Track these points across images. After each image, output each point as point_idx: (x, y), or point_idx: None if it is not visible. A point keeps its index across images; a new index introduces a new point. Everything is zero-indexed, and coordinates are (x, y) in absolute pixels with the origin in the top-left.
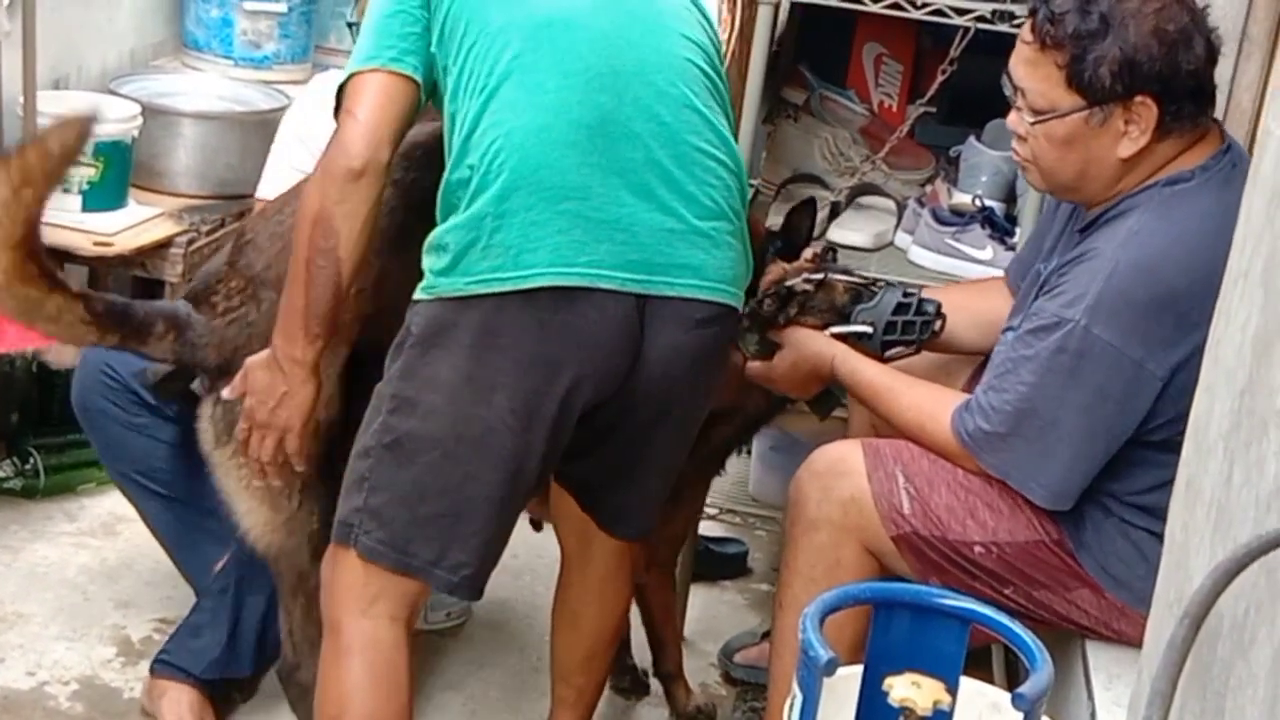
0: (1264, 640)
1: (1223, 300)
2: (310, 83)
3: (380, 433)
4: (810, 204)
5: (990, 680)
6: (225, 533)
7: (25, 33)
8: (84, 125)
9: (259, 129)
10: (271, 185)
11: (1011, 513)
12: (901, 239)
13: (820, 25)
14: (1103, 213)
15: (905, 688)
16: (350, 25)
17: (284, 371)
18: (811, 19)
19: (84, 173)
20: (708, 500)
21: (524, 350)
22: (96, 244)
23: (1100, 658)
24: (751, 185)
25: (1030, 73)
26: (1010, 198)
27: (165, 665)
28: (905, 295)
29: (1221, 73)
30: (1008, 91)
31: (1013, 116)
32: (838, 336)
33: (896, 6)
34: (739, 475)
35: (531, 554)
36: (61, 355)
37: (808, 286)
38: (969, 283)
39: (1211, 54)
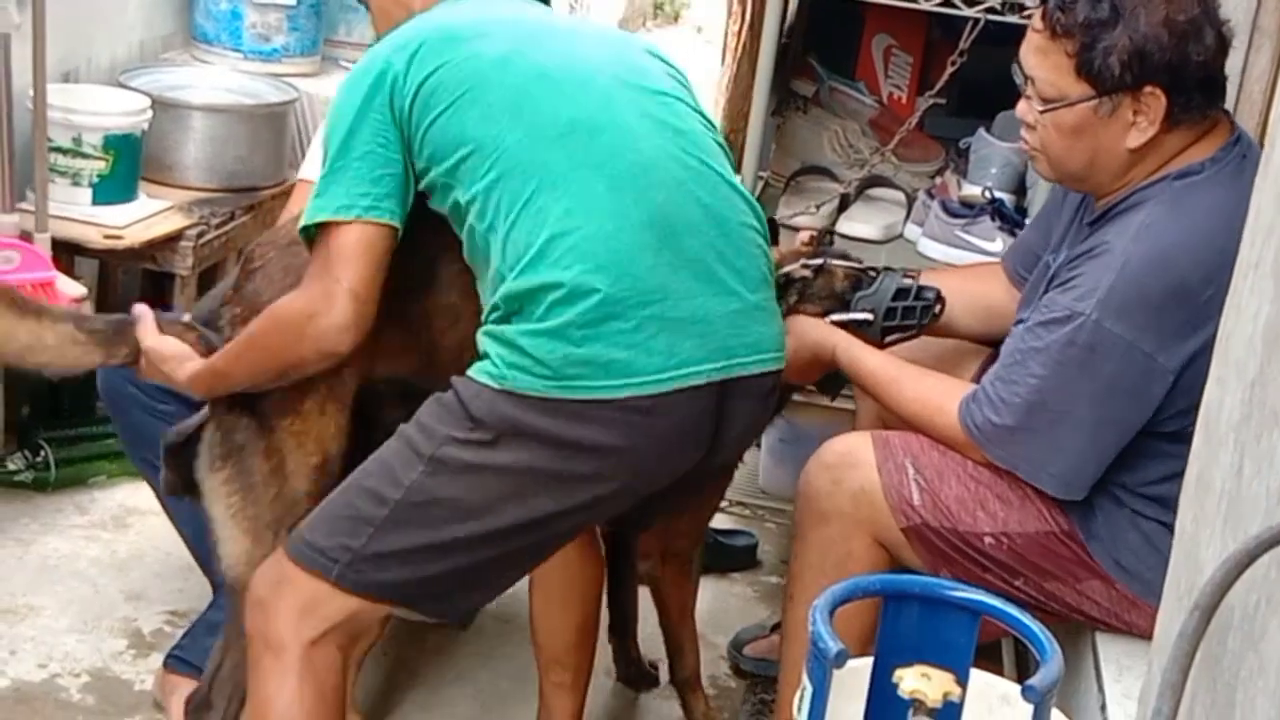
0: (1275, 632)
1: (1233, 292)
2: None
3: (410, 490)
4: None
5: (1000, 673)
6: None
7: (35, 26)
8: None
9: (268, 122)
10: (313, 166)
11: (1022, 504)
12: (911, 231)
13: (830, 17)
14: (1113, 205)
15: (915, 680)
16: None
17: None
18: (821, 11)
19: (94, 166)
20: None
21: (607, 458)
22: (107, 237)
23: (1110, 649)
24: (761, 177)
25: (1040, 61)
26: (1020, 189)
27: (179, 661)
28: (904, 281)
29: (1232, 64)
30: (1018, 80)
31: (1022, 105)
32: (838, 323)
33: None
34: (748, 467)
35: None
36: None
37: (806, 273)
38: (966, 267)
39: (1222, 45)
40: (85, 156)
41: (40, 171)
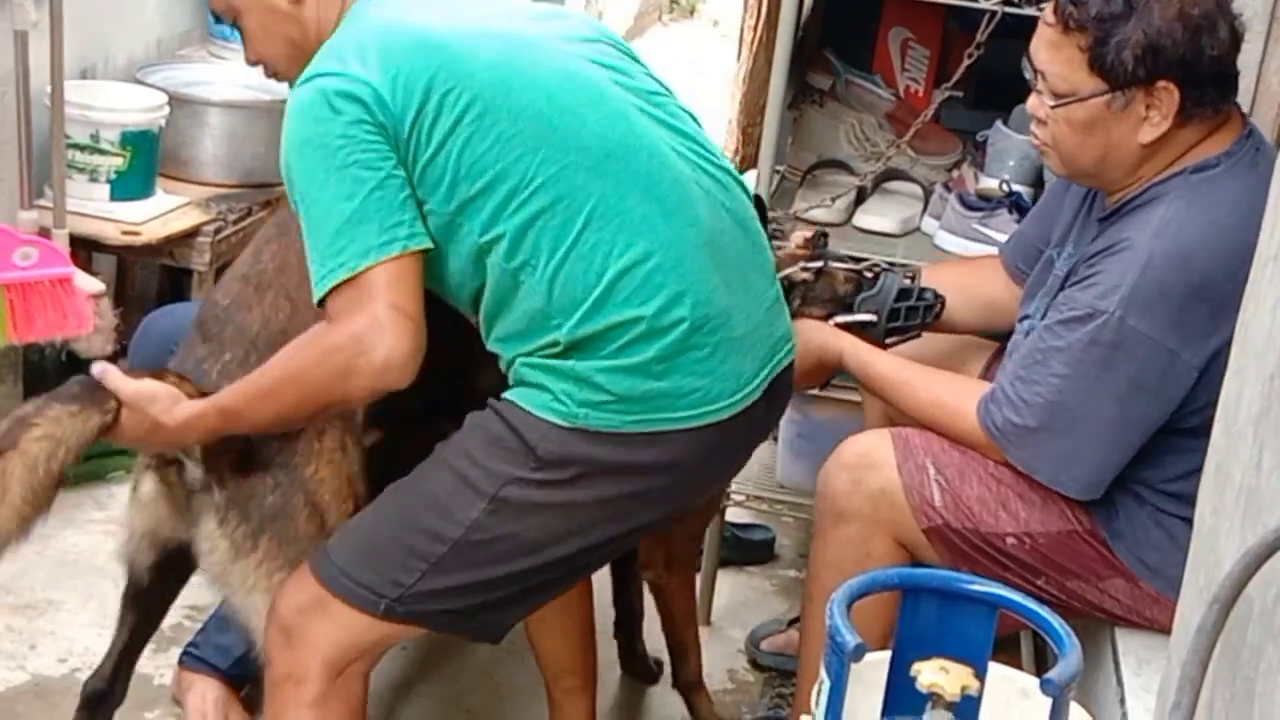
0: None
1: (1252, 284)
2: None
3: (471, 529)
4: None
5: (1019, 666)
6: None
7: (52, 23)
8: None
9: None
10: None
11: (1044, 504)
12: (928, 224)
13: (846, 10)
14: (1128, 201)
15: (933, 673)
16: None
17: (163, 432)
18: (837, 4)
19: (111, 162)
20: (734, 487)
21: (676, 480)
22: (124, 233)
23: (1129, 643)
24: (777, 171)
25: (1052, 56)
26: (1038, 182)
27: (192, 658)
28: (905, 281)
29: (1250, 57)
30: (1028, 75)
31: (1033, 100)
32: (842, 326)
33: None
34: (766, 462)
35: None
36: (91, 345)
37: (807, 276)
38: (963, 261)
39: (1235, 40)
40: (103, 153)
41: (58, 168)
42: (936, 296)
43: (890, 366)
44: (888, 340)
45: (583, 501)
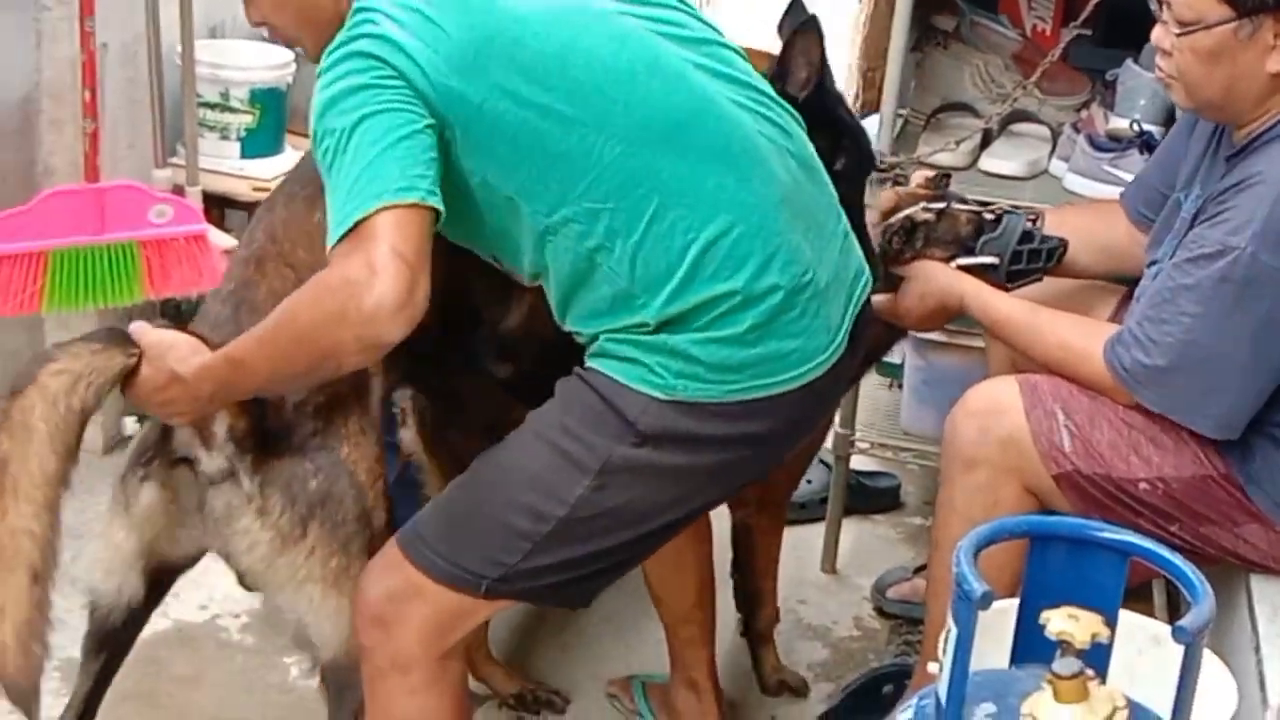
0: None
1: None
2: None
3: (576, 506)
4: (811, 22)
5: (1151, 614)
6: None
7: None
8: None
9: None
10: None
11: (1177, 448)
12: (1056, 166)
13: None
14: (1257, 135)
15: (1062, 621)
16: None
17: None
18: None
19: (242, 120)
20: (858, 434)
21: (777, 440)
22: (256, 189)
23: (1265, 590)
24: (900, 114)
25: None
26: (1169, 122)
27: None
28: (1027, 224)
29: None
30: (1153, 5)
31: (1157, 30)
32: (963, 268)
33: None
34: (891, 409)
35: None
36: None
37: (929, 216)
38: (1085, 205)
39: None
40: (233, 111)
41: (190, 127)
42: (1060, 240)
43: (1014, 309)
44: (1009, 284)
45: (686, 472)
